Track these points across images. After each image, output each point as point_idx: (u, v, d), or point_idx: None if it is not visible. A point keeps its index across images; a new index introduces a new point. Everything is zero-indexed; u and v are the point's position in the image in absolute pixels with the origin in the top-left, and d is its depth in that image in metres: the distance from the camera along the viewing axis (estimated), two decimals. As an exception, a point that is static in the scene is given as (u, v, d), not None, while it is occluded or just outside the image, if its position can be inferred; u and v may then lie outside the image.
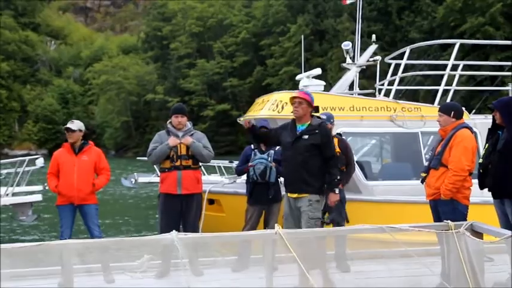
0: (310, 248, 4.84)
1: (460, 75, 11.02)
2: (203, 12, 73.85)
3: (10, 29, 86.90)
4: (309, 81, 10.61)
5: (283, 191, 7.21)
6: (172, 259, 4.55)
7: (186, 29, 73.82)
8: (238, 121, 11.61)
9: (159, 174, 7.24)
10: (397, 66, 11.06)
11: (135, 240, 4.91)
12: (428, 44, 12.28)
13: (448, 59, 10.63)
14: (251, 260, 5.46)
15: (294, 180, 5.69)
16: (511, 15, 41.75)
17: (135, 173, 11.23)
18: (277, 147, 7.27)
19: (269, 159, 7.09)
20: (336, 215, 6.26)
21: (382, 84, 11.93)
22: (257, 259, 5.07)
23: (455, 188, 5.62)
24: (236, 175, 8.79)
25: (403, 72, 10.72)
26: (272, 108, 9.46)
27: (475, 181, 5.80)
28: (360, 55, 12.03)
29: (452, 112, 5.94)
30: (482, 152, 6.03)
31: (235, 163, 8.62)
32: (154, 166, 8.86)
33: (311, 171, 5.64)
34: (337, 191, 5.79)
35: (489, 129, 6.01)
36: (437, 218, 5.57)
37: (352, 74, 11.63)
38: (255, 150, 7.22)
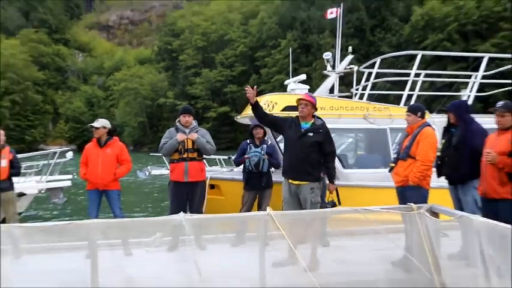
0: (297, 227, 4.85)
1: (423, 82, 11.02)
2: (207, 29, 73.77)
3: (45, 44, 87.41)
4: (295, 85, 10.60)
5: (274, 178, 7.26)
6: (180, 236, 4.54)
7: (193, 44, 73.74)
8: (235, 119, 11.58)
9: (168, 166, 7.22)
10: (370, 74, 11.08)
11: (149, 220, 4.90)
12: (395, 56, 12.26)
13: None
14: (247, 237, 5.45)
15: (297, 170, 5.66)
16: (464, 32, 41.91)
17: (148, 166, 11.15)
18: (269, 142, 7.29)
19: (262, 152, 7.10)
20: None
21: (357, 89, 11.94)
22: (252, 236, 5.06)
23: (422, 176, 5.64)
24: (234, 165, 8.78)
25: (374, 79, 10.74)
26: (264, 107, 9.43)
27: (434, 170, 5.84)
28: (339, 64, 12.05)
29: (419, 112, 5.96)
30: (439, 146, 6.05)
31: (233, 158, 8.60)
32: (164, 158, 8.82)
33: (312, 163, 5.63)
34: (334, 181, 5.84)
35: (444, 127, 6.05)
36: (403, 201, 5.58)
37: (332, 80, 11.63)
38: (250, 145, 7.23)
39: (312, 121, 5.78)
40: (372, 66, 11.12)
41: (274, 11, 64.99)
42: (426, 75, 11.95)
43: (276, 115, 6.18)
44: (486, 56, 11.08)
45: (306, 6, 59.63)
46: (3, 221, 7.01)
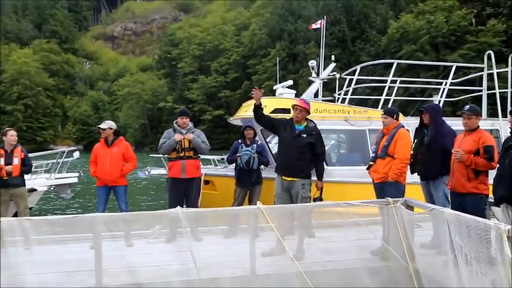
0: (285, 220, 4.84)
1: (398, 88, 11.07)
2: (203, 40, 73.57)
3: (55, 52, 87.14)
4: (283, 90, 10.59)
5: (264, 175, 7.23)
6: (177, 228, 4.50)
7: (190, 53, 73.48)
8: (228, 121, 11.53)
9: (166, 165, 7.16)
10: (351, 80, 11.09)
11: (148, 214, 4.87)
12: (374, 64, 12.31)
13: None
14: (239, 229, 5.42)
15: (290, 168, 5.64)
16: (435, 44, 42.27)
17: (148, 167, 11.02)
18: (259, 142, 7.25)
19: (252, 151, 7.06)
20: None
21: (340, 94, 11.96)
22: (243, 228, 5.04)
23: (400, 173, 5.65)
24: (227, 163, 8.73)
25: (355, 85, 10.75)
26: None
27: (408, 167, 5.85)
28: (323, 71, 12.06)
29: (395, 115, 5.97)
30: (412, 145, 6.06)
31: (225, 157, 8.56)
32: (162, 157, 8.75)
33: (305, 162, 5.62)
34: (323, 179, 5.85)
35: (416, 128, 6.06)
36: (381, 196, 5.58)
37: (316, 85, 11.63)
38: (242, 144, 7.18)
39: (306, 123, 5.77)
40: (353, 73, 11.14)
41: (264, 23, 64.92)
42: (401, 82, 12.02)
43: (272, 116, 6.13)
44: (454, 65, 11.18)
45: (293, 19, 59.67)
46: (15, 215, 6.94)
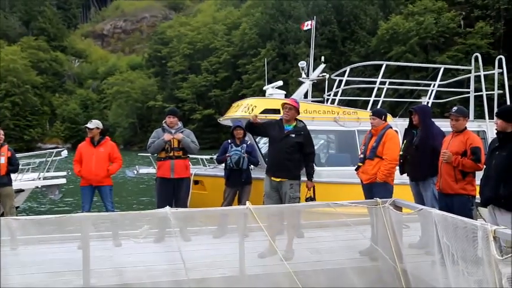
0: (274, 220, 4.83)
1: (387, 89, 11.13)
2: (193, 39, 73.26)
3: (44, 50, 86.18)
4: (273, 90, 10.59)
5: (253, 175, 7.23)
6: (166, 228, 4.48)
7: (180, 51, 73.15)
8: (218, 121, 11.51)
9: (154, 164, 7.12)
10: (341, 81, 11.13)
11: (137, 213, 4.84)
12: (363, 65, 12.36)
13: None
14: (228, 229, 5.42)
15: (279, 168, 5.63)
16: (425, 45, 42.61)
17: (136, 166, 10.94)
18: (248, 142, 7.25)
19: (242, 151, 7.05)
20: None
21: (329, 95, 11.98)
22: (232, 228, 5.04)
23: (389, 173, 5.68)
24: (216, 163, 8.71)
25: (344, 86, 10.79)
26: (244, 110, 9.42)
27: (397, 168, 5.88)
28: (312, 72, 12.07)
29: (383, 116, 6.00)
30: (401, 146, 6.09)
31: (215, 157, 8.53)
32: (151, 157, 8.69)
33: (293, 162, 5.62)
34: (313, 179, 5.84)
35: (406, 129, 6.09)
36: (370, 196, 5.60)
37: (306, 86, 11.64)
38: (231, 144, 7.17)
39: (295, 124, 5.77)
40: (343, 74, 11.17)
41: (254, 23, 64.82)
42: (390, 83, 12.09)
43: (262, 122, 6.09)
44: (442, 67, 11.29)
45: (283, 19, 59.67)
46: (2, 215, 6.86)
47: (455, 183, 5.01)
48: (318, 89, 16.57)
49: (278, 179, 5.64)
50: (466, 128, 5.19)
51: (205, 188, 9.02)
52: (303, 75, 11.86)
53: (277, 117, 6.27)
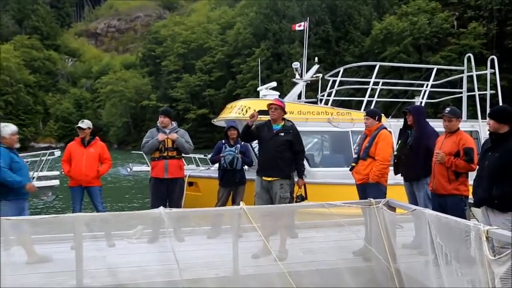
0: (268, 220, 4.83)
1: (381, 89, 11.16)
2: (187, 38, 73.16)
3: (37, 49, 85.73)
4: (267, 91, 10.60)
5: (247, 176, 7.22)
6: (160, 228, 4.47)
7: (174, 51, 73.04)
8: (212, 122, 11.49)
9: (148, 163, 7.09)
10: (335, 82, 11.16)
11: (130, 213, 4.83)
12: (357, 65, 12.39)
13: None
14: (222, 229, 5.41)
15: (270, 167, 5.65)
16: (418, 45, 42.84)
17: (130, 164, 10.92)
18: (242, 142, 7.25)
19: (236, 151, 7.05)
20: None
21: (323, 95, 12.00)
22: (226, 228, 5.03)
23: (381, 174, 5.68)
24: (210, 164, 8.70)
25: (338, 87, 10.81)
26: (238, 112, 9.43)
27: (391, 169, 5.89)
28: (306, 73, 12.09)
29: (376, 116, 6.01)
30: (395, 146, 6.11)
31: (208, 156, 8.52)
32: (145, 156, 8.67)
33: (284, 161, 5.64)
34: (303, 177, 5.86)
35: (400, 129, 6.11)
36: (363, 196, 5.61)
37: (299, 87, 11.66)
38: (225, 144, 7.16)
39: (283, 123, 5.81)
40: (336, 74, 11.20)
41: (249, 22, 64.80)
42: (384, 84, 12.14)
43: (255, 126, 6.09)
44: (435, 68, 11.35)
45: (277, 19, 59.69)
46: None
47: (448, 183, 5.03)
48: (313, 89, 16.60)
49: (269, 178, 5.66)
50: (459, 128, 5.21)
51: (199, 189, 9.02)
52: (297, 76, 11.88)
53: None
